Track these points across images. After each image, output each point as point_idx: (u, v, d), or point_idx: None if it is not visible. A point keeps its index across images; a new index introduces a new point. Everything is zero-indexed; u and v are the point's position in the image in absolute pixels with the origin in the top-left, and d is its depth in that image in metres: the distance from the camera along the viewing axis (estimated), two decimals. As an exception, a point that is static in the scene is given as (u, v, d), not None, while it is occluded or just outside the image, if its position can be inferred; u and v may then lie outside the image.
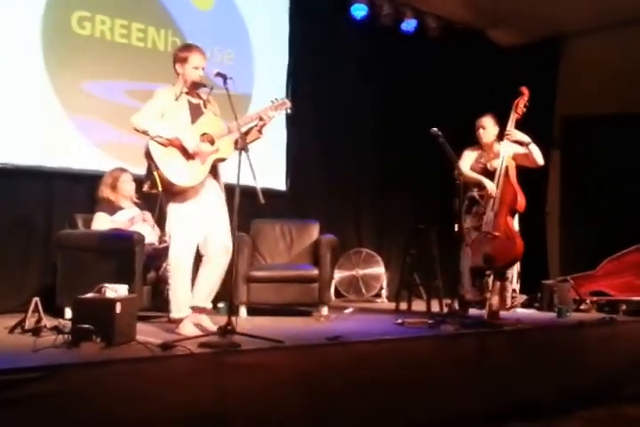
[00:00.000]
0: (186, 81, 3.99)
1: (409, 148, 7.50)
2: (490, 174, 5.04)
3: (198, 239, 3.98)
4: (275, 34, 6.85)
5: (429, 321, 4.52)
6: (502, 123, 5.10)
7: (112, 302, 3.40)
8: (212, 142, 3.96)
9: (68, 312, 4.44)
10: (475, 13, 7.79)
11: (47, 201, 5.43)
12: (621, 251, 6.67)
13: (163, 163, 3.83)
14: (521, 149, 5.03)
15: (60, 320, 4.01)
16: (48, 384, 2.54)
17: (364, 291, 7.08)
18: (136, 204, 5.17)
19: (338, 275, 6.99)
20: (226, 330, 3.52)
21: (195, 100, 4.05)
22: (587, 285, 6.48)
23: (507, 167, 4.96)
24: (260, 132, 4.08)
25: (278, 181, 6.72)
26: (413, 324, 4.58)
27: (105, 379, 2.71)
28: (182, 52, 4.00)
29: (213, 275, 4.03)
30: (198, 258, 4.04)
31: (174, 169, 3.85)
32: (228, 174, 4.03)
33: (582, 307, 5.85)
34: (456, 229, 4.80)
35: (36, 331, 3.67)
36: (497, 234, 4.85)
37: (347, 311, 5.61)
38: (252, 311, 5.28)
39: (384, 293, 7.12)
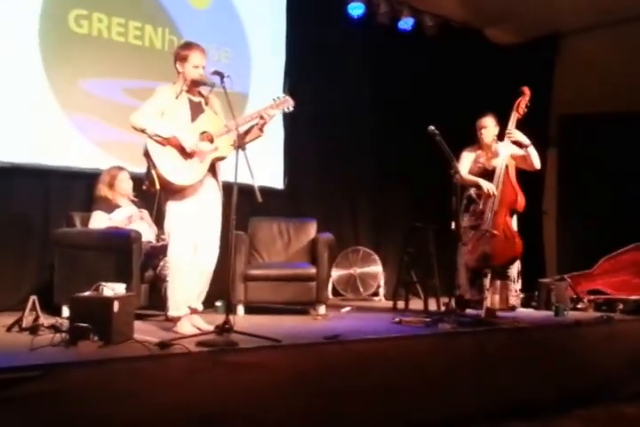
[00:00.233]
0: (186, 79, 3.98)
1: (406, 146, 7.50)
2: (488, 174, 5.02)
3: (197, 237, 3.98)
4: (272, 32, 6.84)
5: (427, 320, 4.53)
6: (503, 122, 5.10)
7: (109, 300, 3.41)
8: (212, 141, 3.96)
9: (66, 311, 4.43)
10: (472, 12, 7.79)
11: (44, 199, 5.41)
12: (618, 250, 6.69)
13: (160, 161, 3.83)
14: (519, 151, 5.03)
15: (58, 319, 4.01)
16: (45, 383, 2.54)
17: (361, 289, 7.09)
18: (133, 202, 5.17)
19: (335, 273, 7.00)
20: (223, 329, 3.52)
21: (195, 99, 4.05)
22: (584, 283, 6.50)
23: (506, 166, 4.96)
24: (260, 130, 4.07)
25: (276, 180, 6.71)
26: (411, 322, 4.59)
27: (102, 377, 2.71)
28: (182, 51, 4.00)
29: (202, 276, 4.04)
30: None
31: (172, 168, 3.85)
32: (226, 173, 4.03)
33: (579, 306, 5.86)
34: (452, 227, 4.80)
35: (34, 329, 3.66)
36: (496, 232, 4.85)
37: (344, 310, 5.61)
38: (250, 310, 5.28)
39: (381, 291, 7.12)
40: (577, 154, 7.88)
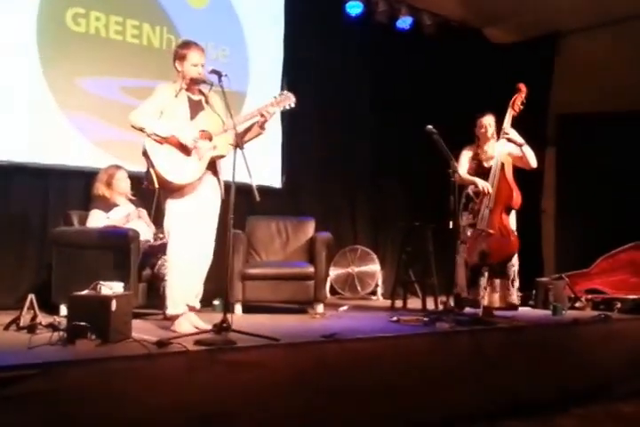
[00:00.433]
0: (185, 78, 3.98)
1: (404, 145, 7.50)
2: (486, 172, 5.03)
3: (196, 235, 3.97)
4: (270, 31, 6.83)
5: (424, 319, 4.54)
6: (499, 120, 5.10)
7: (107, 299, 3.40)
8: (210, 139, 3.96)
9: (64, 309, 4.43)
10: (471, 11, 7.78)
11: (42, 198, 5.41)
12: (616, 249, 6.70)
13: (159, 160, 3.84)
14: (515, 150, 5.03)
15: (56, 317, 4.00)
16: (43, 382, 2.53)
17: (359, 288, 7.08)
18: (131, 201, 5.16)
19: (333, 272, 6.99)
20: (221, 327, 3.52)
21: (195, 97, 4.05)
22: (582, 282, 6.50)
23: (503, 164, 4.96)
24: (261, 128, 4.05)
25: (274, 179, 6.71)
26: (408, 321, 4.60)
27: (100, 376, 2.71)
28: (181, 49, 4.00)
29: (198, 275, 4.03)
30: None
31: (170, 167, 3.85)
32: (224, 172, 4.03)
33: (577, 305, 5.86)
34: (451, 226, 4.80)
35: (32, 328, 3.66)
36: (491, 231, 4.86)
37: (342, 309, 5.61)
38: (248, 309, 5.27)
39: (379, 290, 7.12)
40: (576, 153, 7.88)
